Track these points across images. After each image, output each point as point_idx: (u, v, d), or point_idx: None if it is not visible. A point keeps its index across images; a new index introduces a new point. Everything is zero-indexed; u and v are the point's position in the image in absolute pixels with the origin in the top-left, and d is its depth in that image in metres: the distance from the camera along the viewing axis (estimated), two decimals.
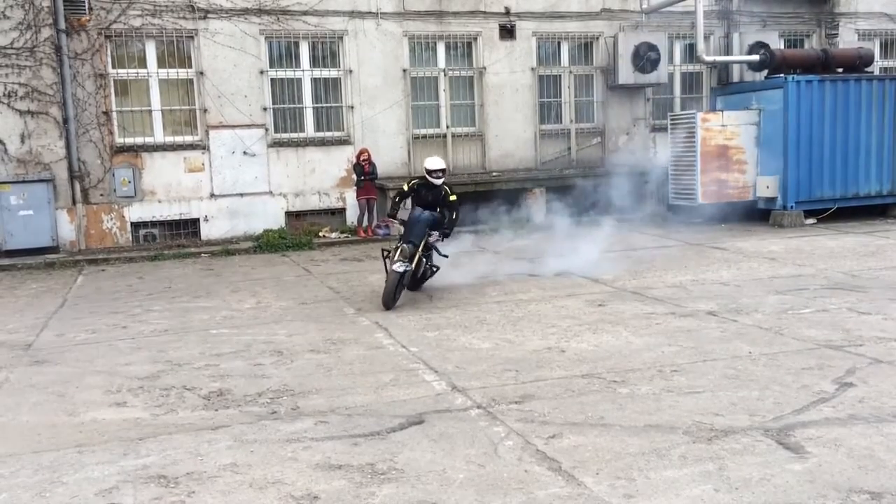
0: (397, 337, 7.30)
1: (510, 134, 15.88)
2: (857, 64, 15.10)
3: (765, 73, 15.20)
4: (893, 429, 4.69)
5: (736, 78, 16.57)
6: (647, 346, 6.71)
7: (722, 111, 14.88)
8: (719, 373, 5.92)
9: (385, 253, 8.77)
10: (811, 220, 14.23)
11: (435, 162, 9.00)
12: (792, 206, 14.14)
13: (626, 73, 15.92)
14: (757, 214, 14.58)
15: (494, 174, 15.49)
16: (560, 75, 16.34)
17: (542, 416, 5.09)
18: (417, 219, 8.64)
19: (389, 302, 8.34)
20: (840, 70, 14.92)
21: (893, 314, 7.48)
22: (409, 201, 9.23)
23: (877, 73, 16.63)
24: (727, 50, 16.61)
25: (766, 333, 7.00)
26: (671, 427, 4.84)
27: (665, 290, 9.09)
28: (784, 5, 17.29)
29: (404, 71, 15.12)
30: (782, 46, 16.72)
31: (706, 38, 16.02)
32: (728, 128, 14.51)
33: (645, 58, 15.82)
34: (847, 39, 17.28)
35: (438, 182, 8.92)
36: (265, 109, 14.45)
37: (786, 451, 4.42)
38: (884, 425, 4.74)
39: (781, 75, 14.44)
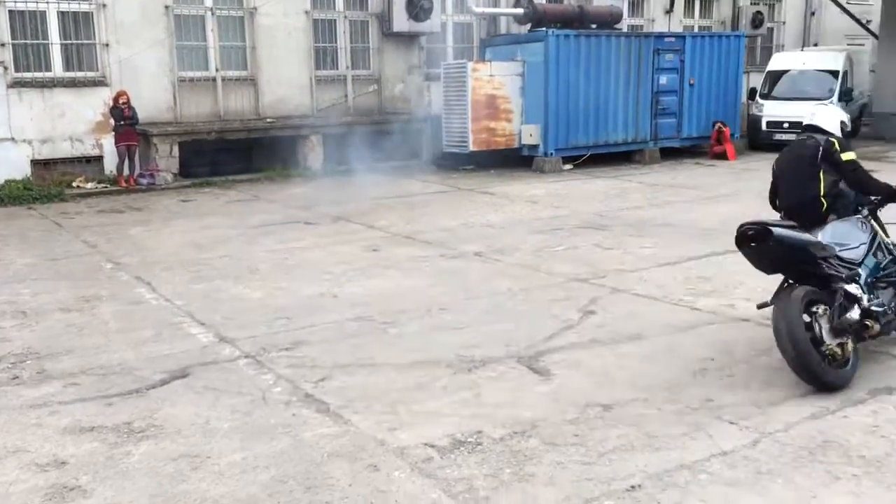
0: (161, 291, 6.94)
1: (285, 79, 15.43)
2: (608, 20, 16.38)
3: (528, 26, 16.00)
4: (625, 349, 5.28)
5: (504, 30, 17.31)
6: (417, 288, 6.96)
7: (490, 62, 15.50)
8: (481, 309, 6.30)
9: None
10: (569, 166, 15.37)
11: None
12: (552, 153, 15.18)
13: (401, 21, 16.02)
14: (522, 161, 15.47)
15: (269, 120, 15.03)
16: (335, 20, 16.08)
17: (312, 360, 5.13)
18: None
19: None
20: (594, 26, 16.09)
21: (631, 249, 8.36)
22: None
23: (625, 29, 18.12)
24: (495, 2, 17.25)
25: (525, 270, 7.53)
26: (436, 362, 5.09)
27: (437, 234, 9.44)
28: None
29: (166, 7, 14.08)
30: (545, 1, 17.66)
31: None
32: (496, 78, 15.16)
33: (419, 6, 15.99)
34: None
35: None
36: (3, 45, 12.84)
37: (534, 375, 4.83)
38: (617, 346, 5.33)
39: (543, 29, 15.29)
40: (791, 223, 4.85)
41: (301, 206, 11.46)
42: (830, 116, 5.31)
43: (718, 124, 17.03)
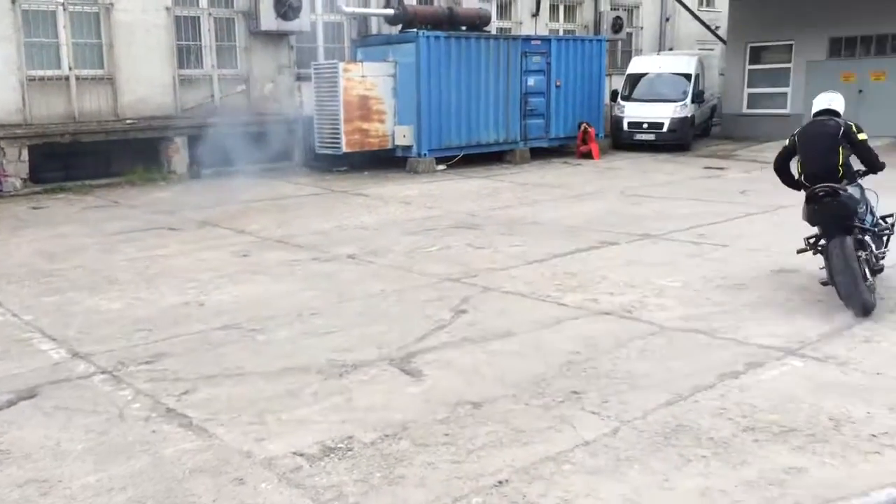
0: (7, 305, 6.47)
1: (145, 78, 14.73)
2: (477, 23, 16.67)
3: (399, 27, 16.05)
4: (494, 346, 5.38)
5: (375, 30, 17.26)
6: (288, 293, 6.82)
7: (362, 62, 15.43)
8: (354, 311, 6.25)
9: None
10: (442, 167, 15.54)
11: None
12: (425, 154, 15.30)
13: (269, 19, 15.66)
14: (396, 162, 15.51)
15: (129, 121, 14.32)
16: (199, 17, 15.51)
17: (174, 373, 4.92)
18: None
19: None
20: (463, 28, 16.34)
21: (502, 248, 8.54)
22: None
23: (494, 32, 18.51)
24: (366, 2, 17.18)
25: (398, 272, 7.54)
26: (306, 368, 5.00)
27: (309, 237, 9.29)
28: None
29: (13, 2, 13.14)
30: (415, 2, 17.76)
31: None
32: (368, 79, 15.11)
33: (287, 4, 15.68)
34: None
35: None
36: None
37: (406, 377, 4.84)
38: (488, 344, 5.42)
39: (414, 30, 15.37)
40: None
41: (164, 211, 10.99)
42: (842, 103, 6.46)
43: (584, 125, 17.71)
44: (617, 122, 19.30)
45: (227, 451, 3.86)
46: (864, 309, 5.72)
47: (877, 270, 6.04)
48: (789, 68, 20.44)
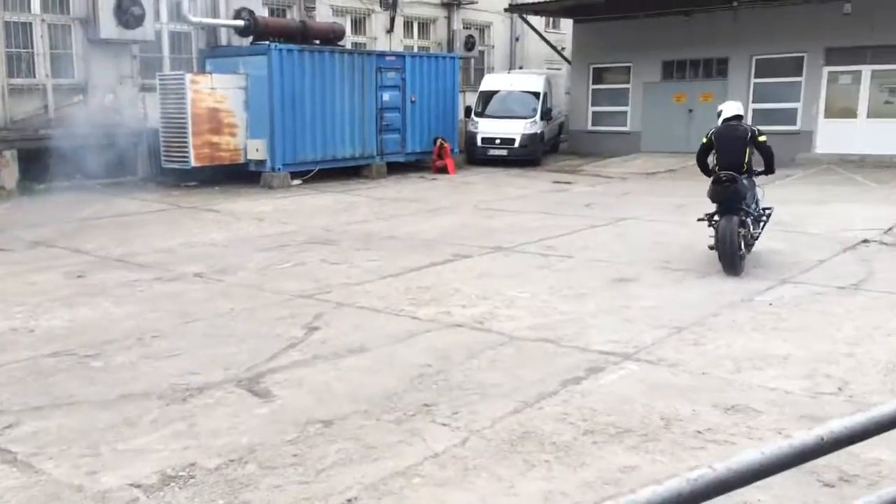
0: None
1: None
2: (331, 37, 16.60)
3: (250, 38, 15.70)
4: (347, 362, 5.35)
5: (225, 41, 16.78)
6: (128, 315, 6.47)
7: (211, 74, 14.96)
8: (200, 332, 6.02)
9: None
10: (298, 181, 15.31)
11: None
12: (280, 168, 15.01)
13: (109, 27, 14.84)
14: (249, 176, 15.11)
15: None
16: (31, 23, 14.48)
17: None
18: None
19: None
20: (317, 42, 16.21)
21: (357, 262, 8.51)
22: None
23: (348, 46, 18.50)
24: (214, 13, 16.68)
25: (249, 290, 7.34)
26: (146, 394, 4.76)
27: (153, 255, 8.87)
28: None
29: None
30: (266, 14, 17.44)
31: None
32: (218, 91, 14.67)
33: (129, 12, 14.95)
34: (323, 13, 18.81)
35: None
36: None
37: (255, 398, 4.71)
38: (340, 360, 5.38)
39: (266, 42, 15.09)
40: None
41: None
42: (742, 109, 8.25)
43: (439, 140, 18.01)
44: (471, 137, 19.76)
45: (57, 487, 3.60)
46: (734, 271, 7.49)
47: (750, 245, 7.81)
48: (628, 88, 21.74)
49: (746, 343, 5.59)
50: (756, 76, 19.74)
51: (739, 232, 7.49)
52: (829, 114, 18.82)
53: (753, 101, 19.62)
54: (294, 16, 18.42)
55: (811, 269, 7.87)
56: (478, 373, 5.12)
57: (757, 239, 8.03)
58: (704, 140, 8.07)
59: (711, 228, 7.76)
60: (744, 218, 7.61)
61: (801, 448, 1.20)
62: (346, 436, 4.16)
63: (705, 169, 8.06)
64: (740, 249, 7.51)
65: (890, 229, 9.85)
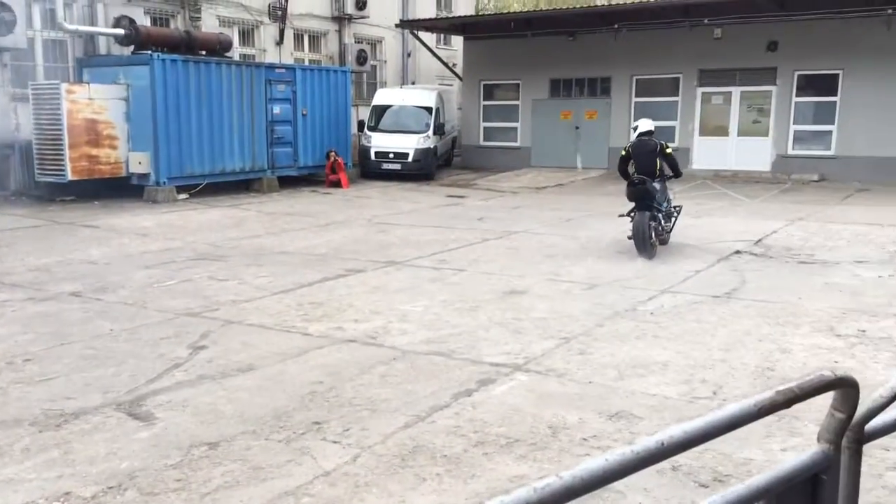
0: None
1: None
2: (217, 48, 16.22)
3: (131, 48, 15.12)
4: (235, 382, 5.20)
5: (103, 50, 16.09)
6: None
7: (89, 84, 14.31)
8: (77, 355, 5.72)
9: None
10: (184, 196, 14.83)
11: None
12: (165, 182, 14.50)
13: None
14: (132, 190, 14.53)
15: None
16: None
17: None
18: None
19: None
20: (203, 52, 15.80)
21: (247, 279, 8.32)
22: None
23: (237, 58, 18.12)
24: (92, 20, 15.96)
25: (130, 309, 7.04)
26: (16, 421, 4.48)
27: (26, 274, 8.37)
28: None
29: None
30: (148, 23, 16.86)
31: (68, 5, 15.12)
32: (96, 101, 14.05)
33: None
34: (209, 24, 18.35)
35: None
36: None
37: (135, 422, 4.51)
38: (227, 380, 5.23)
39: (148, 52, 14.57)
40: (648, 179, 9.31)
41: None
42: (653, 126, 9.89)
43: (332, 154, 17.88)
44: (364, 151, 19.73)
45: None
46: (648, 256, 9.12)
47: (662, 237, 9.54)
48: (518, 105, 22.31)
49: (629, 351, 5.82)
50: (637, 95, 20.68)
51: (650, 224, 9.18)
52: (704, 131, 19.93)
53: (635, 119, 20.53)
54: (178, 26, 17.87)
55: (688, 279, 8.28)
56: (370, 388, 5.09)
57: (669, 231, 9.78)
58: (623, 152, 9.84)
59: (629, 220, 9.40)
60: (655, 213, 9.28)
61: (644, 453, 1.27)
62: (233, 457, 4.05)
63: (625, 175, 9.63)
64: (651, 238, 9.20)
65: (759, 240, 10.51)
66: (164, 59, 14.38)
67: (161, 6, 17.80)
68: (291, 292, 7.76)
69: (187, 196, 14.86)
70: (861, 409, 1.53)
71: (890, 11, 17.01)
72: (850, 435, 1.55)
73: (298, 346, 6.03)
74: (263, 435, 4.34)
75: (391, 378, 5.31)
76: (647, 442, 1.29)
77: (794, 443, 4.13)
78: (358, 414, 4.65)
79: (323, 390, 5.05)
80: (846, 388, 1.48)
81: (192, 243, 10.40)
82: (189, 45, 15.51)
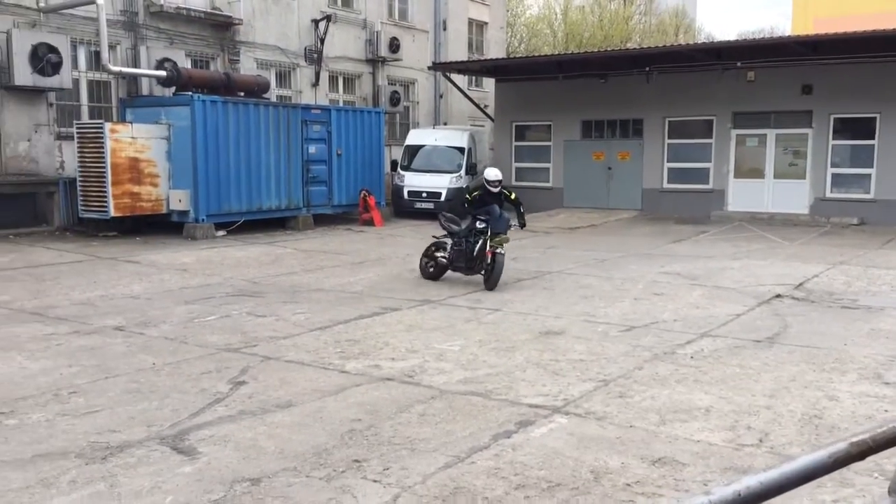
0: None
1: None
2: (255, 89, 16.60)
3: (173, 89, 15.54)
4: (275, 418, 5.24)
5: (145, 91, 16.56)
6: (43, 370, 6.19)
7: (132, 123, 14.70)
8: (121, 388, 5.80)
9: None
10: (222, 232, 15.07)
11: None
12: (203, 219, 14.76)
13: (24, 74, 14.48)
14: (172, 227, 14.81)
15: None
16: None
17: None
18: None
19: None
20: (242, 94, 16.18)
21: (284, 315, 8.40)
22: None
23: (274, 99, 18.52)
24: (135, 62, 16.47)
25: (172, 343, 7.13)
26: (63, 453, 4.54)
27: (70, 307, 8.54)
28: (190, 26, 17.93)
29: None
30: (189, 66, 17.34)
31: (112, 47, 15.63)
32: (139, 140, 14.41)
33: (45, 59, 14.62)
34: (247, 66, 18.82)
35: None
36: None
37: (179, 456, 4.55)
38: (267, 416, 5.27)
39: (189, 93, 14.96)
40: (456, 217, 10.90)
41: None
42: (501, 175, 11.13)
43: (364, 192, 18.08)
44: (398, 190, 19.93)
45: None
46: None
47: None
48: (550, 146, 22.42)
49: (670, 395, 5.76)
50: (670, 137, 20.69)
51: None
52: (739, 173, 19.84)
53: (669, 161, 20.54)
54: (218, 68, 18.35)
55: (728, 323, 8.20)
56: (408, 427, 5.09)
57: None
58: (476, 194, 10.96)
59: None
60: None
61: (720, 503, 1.27)
62: (275, 494, 4.06)
63: (471, 212, 10.76)
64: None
65: (801, 284, 10.38)
66: (204, 100, 14.74)
67: (202, 49, 18.32)
68: (328, 329, 7.81)
69: (225, 233, 15.09)
70: None
71: None
72: None
73: (336, 383, 6.06)
74: (304, 472, 4.36)
75: (430, 417, 5.30)
76: (723, 492, 1.29)
77: (845, 493, 4.04)
78: (397, 453, 4.64)
79: (362, 428, 5.06)
80: None
81: (231, 279, 10.54)
82: (228, 87, 15.90)
